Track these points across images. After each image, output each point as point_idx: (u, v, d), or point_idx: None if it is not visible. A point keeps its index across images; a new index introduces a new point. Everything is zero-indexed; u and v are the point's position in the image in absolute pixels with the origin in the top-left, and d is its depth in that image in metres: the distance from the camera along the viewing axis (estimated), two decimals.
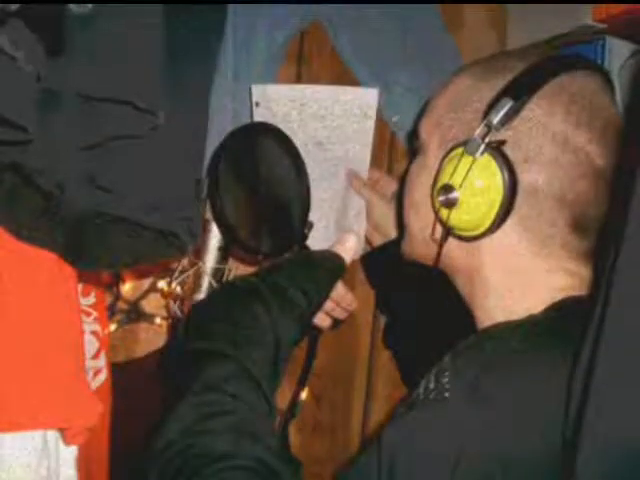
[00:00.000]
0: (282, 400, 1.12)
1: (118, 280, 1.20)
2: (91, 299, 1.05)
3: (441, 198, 0.82)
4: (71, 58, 0.64)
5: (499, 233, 0.81)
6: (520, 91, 0.79)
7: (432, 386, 0.70)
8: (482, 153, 0.78)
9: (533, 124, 0.80)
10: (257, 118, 1.16)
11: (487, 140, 0.78)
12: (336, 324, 1.15)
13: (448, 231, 0.84)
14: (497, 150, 0.78)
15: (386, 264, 1.20)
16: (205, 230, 1.15)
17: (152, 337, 1.24)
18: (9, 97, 0.60)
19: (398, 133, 1.39)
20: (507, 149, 0.79)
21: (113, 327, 1.18)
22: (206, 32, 0.78)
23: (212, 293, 1.13)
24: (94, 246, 0.76)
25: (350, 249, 0.91)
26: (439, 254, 0.87)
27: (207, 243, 1.16)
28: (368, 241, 1.26)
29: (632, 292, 0.51)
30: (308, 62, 1.33)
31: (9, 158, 0.67)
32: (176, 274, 1.18)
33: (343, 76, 1.34)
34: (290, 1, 1.26)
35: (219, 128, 1.09)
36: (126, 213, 0.72)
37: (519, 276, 0.82)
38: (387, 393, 1.43)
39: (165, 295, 1.22)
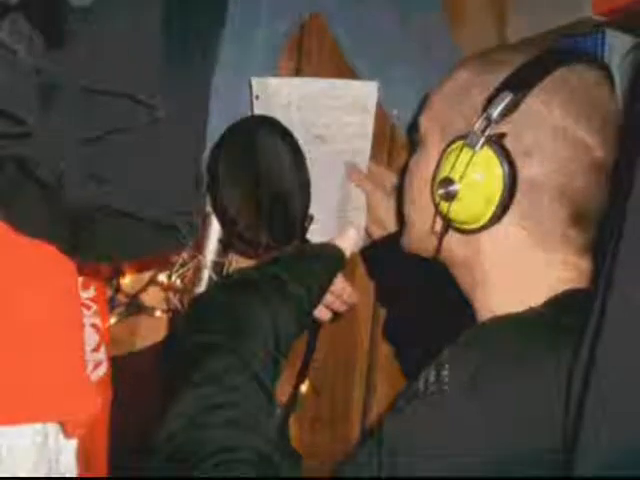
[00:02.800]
0: (282, 393, 1.12)
1: (118, 273, 1.20)
2: (91, 292, 1.05)
3: (441, 191, 0.82)
4: (71, 51, 0.64)
5: (499, 226, 0.81)
6: (520, 84, 0.79)
7: (432, 379, 0.70)
8: (482, 146, 0.78)
9: (533, 117, 0.80)
10: (257, 111, 1.16)
11: (487, 133, 0.78)
12: (336, 317, 1.16)
13: (448, 224, 0.84)
14: (497, 143, 0.78)
15: (386, 257, 1.20)
16: (205, 223, 1.15)
17: (152, 330, 1.24)
18: (9, 90, 0.60)
19: (398, 126, 1.39)
20: (507, 142, 0.79)
21: (113, 320, 1.18)
22: (206, 24, 0.78)
23: (212, 286, 1.13)
24: (94, 239, 0.76)
25: (350, 242, 0.91)
26: (439, 247, 0.87)
27: (207, 236, 1.16)
28: (368, 234, 1.26)
29: (632, 285, 0.51)
30: (308, 56, 1.33)
31: (9, 151, 0.66)
32: (176, 267, 1.18)
33: (343, 69, 1.33)
34: None
35: (219, 120, 1.09)
36: (126, 206, 0.72)
37: (519, 269, 0.82)
38: (387, 386, 1.43)
39: (165, 288, 1.21)
